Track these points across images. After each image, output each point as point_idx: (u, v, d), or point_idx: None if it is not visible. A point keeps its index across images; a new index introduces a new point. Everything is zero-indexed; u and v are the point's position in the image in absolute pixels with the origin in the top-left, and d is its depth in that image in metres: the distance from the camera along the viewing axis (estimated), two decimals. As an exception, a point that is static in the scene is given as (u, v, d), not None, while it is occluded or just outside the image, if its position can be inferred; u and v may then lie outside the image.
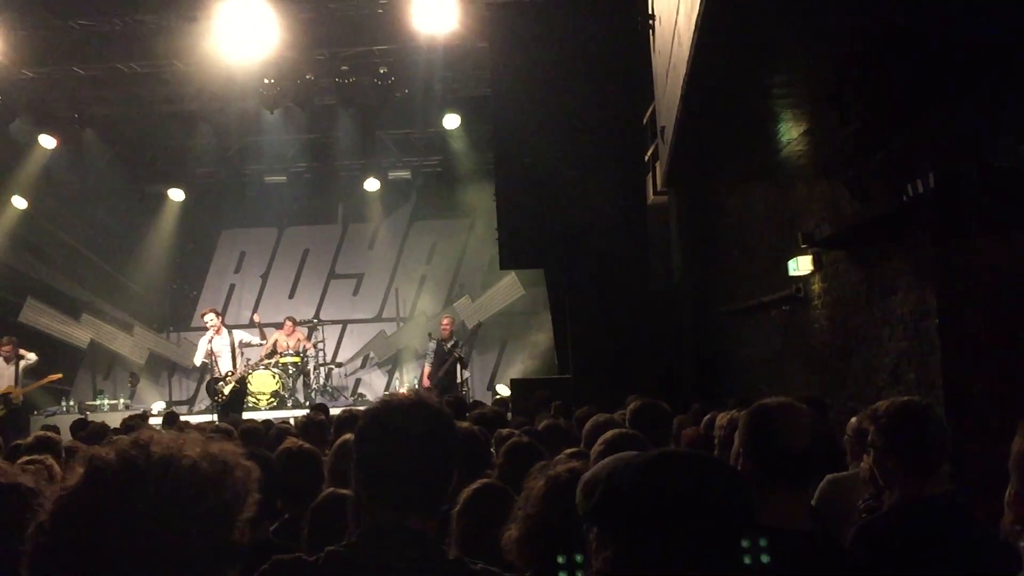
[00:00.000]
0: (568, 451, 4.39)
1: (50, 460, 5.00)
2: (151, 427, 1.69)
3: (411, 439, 2.52)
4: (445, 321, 17.24)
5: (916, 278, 7.21)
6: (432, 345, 16.92)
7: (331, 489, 4.20)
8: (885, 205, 7.26)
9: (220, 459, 1.63)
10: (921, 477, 3.40)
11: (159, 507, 1.52)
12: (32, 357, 15.47)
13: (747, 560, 1.72)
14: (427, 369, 16.91)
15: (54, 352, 19.24)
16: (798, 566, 2.66)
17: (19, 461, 4.97)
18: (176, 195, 19.72)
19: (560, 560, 1.95)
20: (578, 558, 1.91)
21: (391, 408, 2.65)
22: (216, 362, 15.49)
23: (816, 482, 4.79)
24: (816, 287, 9.67)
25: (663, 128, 8.78)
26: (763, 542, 1.73)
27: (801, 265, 9.62)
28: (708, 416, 6.39)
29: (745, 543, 1.72)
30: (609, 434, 4.19)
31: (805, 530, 3.00)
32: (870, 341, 8.24)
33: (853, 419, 5.33)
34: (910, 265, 7.37)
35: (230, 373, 15.27)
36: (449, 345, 16.79)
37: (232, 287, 21.23)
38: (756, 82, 5.69)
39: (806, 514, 3.20)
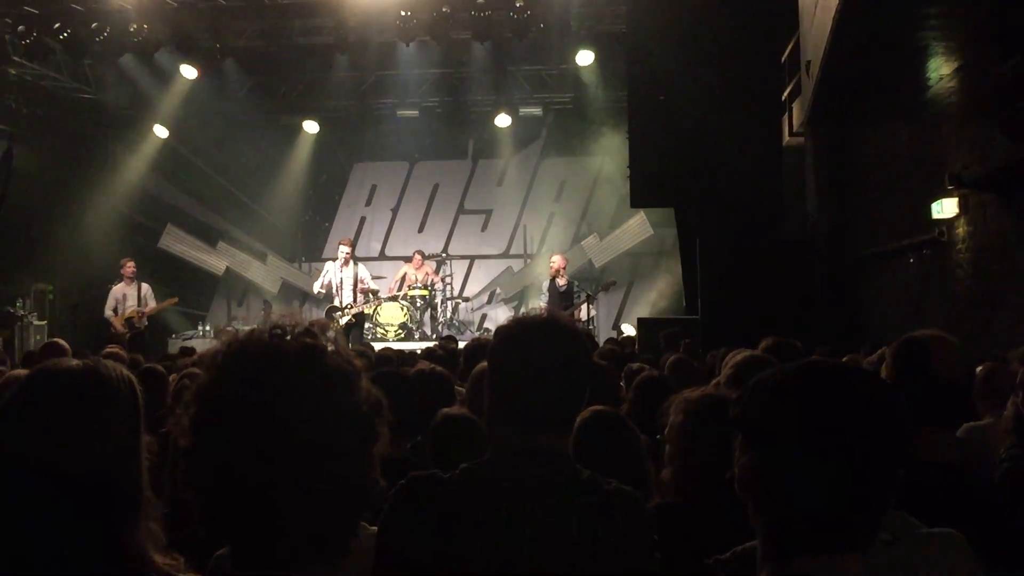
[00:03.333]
0: (711, 383, 4.33)
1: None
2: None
3: (543, 355, 2.49)
4: (554, 259, 16.95)
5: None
6: (546, 284, 16.81)
7: (444, 410, 4.20)
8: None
9: (349, 361, 1.61)
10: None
11: (297, 391, 1.52)
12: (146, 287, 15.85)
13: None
14: (541, 307, 16.79)
15: (191, 278, 19.89)
16: (947, 498, 2.57)
17: (184, 371, 5.12)
18: (311, 127, 19.99)
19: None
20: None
21: (524, 325, 2.62)
22: (339, 292, 15.71)
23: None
24: (960, 231, 9.34)
25: (808, 63, 8.54)
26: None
27: (946, 208, 9.30)
28: (846, 359, 6.24)
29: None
30: (739, 357, 4.12)
31: (956, 465, 2.90)
32: (1016, 288, 7.94)
33: (981, 367, 5.15)
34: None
35: (350, 306, 15.49)
36: (563, 284, 16.59)
37: (363, 220, 21.51)
38: (911, 11, 5.47)
39: (955, 449, 3.09)
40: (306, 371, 1.55)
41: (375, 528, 2.39)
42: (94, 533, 1.91)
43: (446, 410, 4.21)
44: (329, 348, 1.62)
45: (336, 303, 15.73)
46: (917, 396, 2.86)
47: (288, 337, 1.61)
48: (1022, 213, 7.88)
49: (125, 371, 2.11)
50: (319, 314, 17.23)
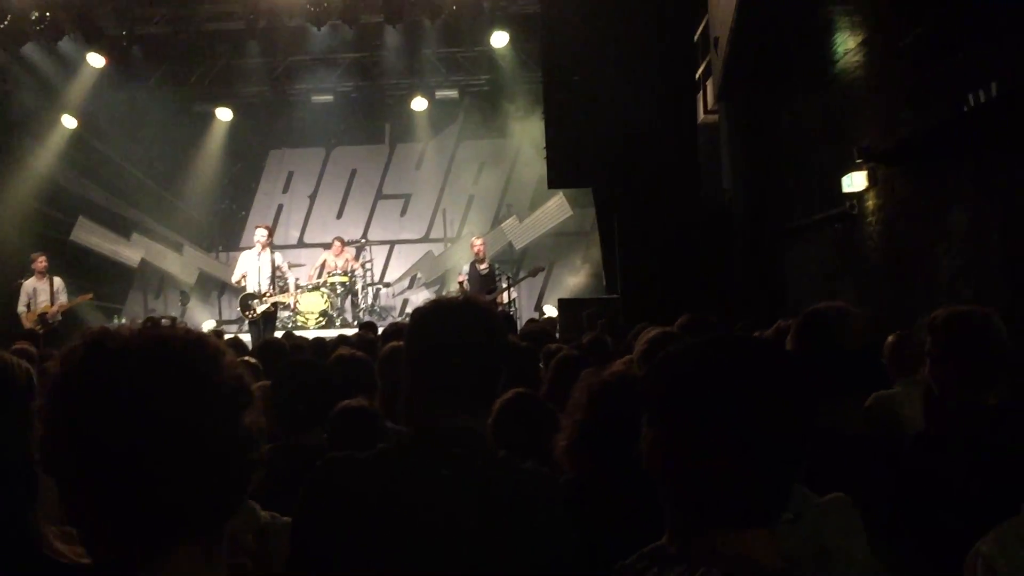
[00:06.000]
0: (621, 360, 4.37)
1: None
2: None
3: (458, 336, 2.51)
4: (475, 242, 17.02)
5: (976, 192, 7.05)
6: (466, 268, 16.81)
7: (344, 401, 4.19)
8: (944, 117, 7.08)
9: (198, 341, 1.59)
10: (980, 387, 3.32)
11: (133, 379, 1.49)
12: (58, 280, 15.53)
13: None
14: (460, 276, 16.82)
15: (105, 271, 19.51)
16: (853, 468, 2.62)
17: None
18: (224, 114, 19.72)
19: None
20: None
21: (441, 306, 2.66)
22: (259, 279, 15.38)
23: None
24: (871, 204, 9.51)
25: (716, 39, 8.62)
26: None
27: (855, 181, 9.46)
28: (755, 334, 6.33)
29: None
30: (652, 333, 4.16)
31: (860, 434, 2.96)
32: (926, 258, 8.11)
33: (891, 336, 5.26)
34: (969, 179, 7.21)
35: (267, 293, 15.22)
36: (484, 268, 16.64)
37: (280, 207, 21.30)
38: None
39: (859, 419, 3.15)
40: (155, 352, 1.52)
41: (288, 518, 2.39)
42: None
43: (345, 402, 4.19)
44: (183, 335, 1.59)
45: (253, 291, 15.47)
46: (820, 367, 2.92)
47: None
48: (929, 184, 8.04)
49: (23, 362, 2.15)
50: (236, 303, 17.05)
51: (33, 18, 15.00)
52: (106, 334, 1.52)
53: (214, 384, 1.51)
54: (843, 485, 2.32)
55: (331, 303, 16.99)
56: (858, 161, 9.17)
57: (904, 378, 4.99)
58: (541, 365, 6.06)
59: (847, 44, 6.81)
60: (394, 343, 5.35)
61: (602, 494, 2.82)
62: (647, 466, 1.73)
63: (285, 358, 6.42)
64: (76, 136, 18.80)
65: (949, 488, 2.98)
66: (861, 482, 2.45)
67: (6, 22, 15.02)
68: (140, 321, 1.63)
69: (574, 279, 19.61)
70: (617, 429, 2.70)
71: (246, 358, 6.08)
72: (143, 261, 20.44)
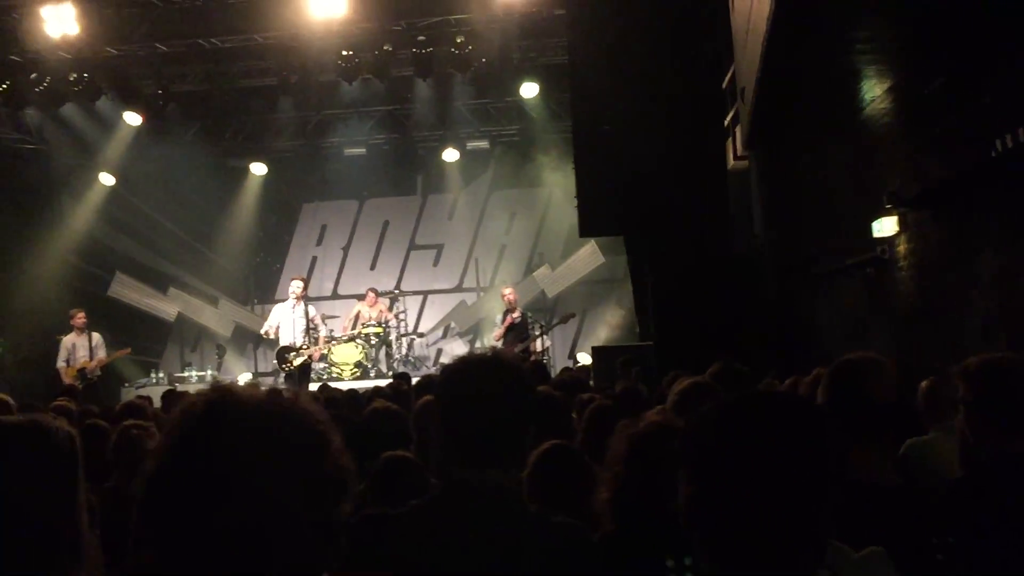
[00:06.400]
0: (654, 410, 4.38)
1: (151, 424, 5.16)
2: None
3: (486, 392, 2.58)
4: (504, 291, 17.19)
5: (1007, 236, 7.03)
6: (499, 318, 16.97)
7: (388, 453, 4.23)
8: (972, 162, 7.09)
9: (312, 417, 1.65)
10: (1015, 434, 3.32)
11: (243, 448, 1.55)
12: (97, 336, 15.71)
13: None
14: (496, 333, 16.93)
15: (143, 325, 19.72)
16: (885, 520, 2.62)
17: (123, 424, 5.15)
18: (258, 169, 19.97)
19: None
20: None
21: (468, 364, 2.73)
22: (293, 332, 15.49)
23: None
24: (901, 248, 9.49)
25: (743, 89, 8.67)
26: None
27: (885, 226, 9.44)
28: (789, 380, 6.32)
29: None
30: (684, 384, 4.17)
31: (892, 485, 2.96)
32: (958, 302, 8.07)
33: (924, 382, 5.23)
34: (999, 223, 7.20)
35: (303, 346, 15.34)
36: (517, 317, 16.78)
37: (314, 259, 21.47)
38: (839, 36, 5.58)
39: (892, 469, 3.15)
40: (277, 431, 1.59)
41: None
42: None
43: (388, 453, 4.23)
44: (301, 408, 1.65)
45: (288, 344, 15.58)
46: (851, 418, 2.94)
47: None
48: (959, 229, 8.02)
49: (65, 426, 2.15)
50: (272, 356, 17.18)
51: (71, 79, 15.31)
52: (227, 396, 1.59)
53: (322, 473, 1.58)
54: (878, 538, 2.33)
55: (366, 354, 17.07)
56: (888, 207, 9.17)
57: (938, 424, 4.96)
58: (574, 415, 6.07)
59: (873, 91, 6.85)
60: (428, 396, 5.39)
61: (643, 548, 2.84)
62: (685, 521, 1.77)
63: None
64: (114, 193, 19.15)
65: (987, 537, 2.97)
66: (897, 534, 2.46)
67: (45, 84, 15.34)
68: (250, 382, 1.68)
69: (607, 326, 19.60)
70: (657, 481, 2.72)
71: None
72: (180, 315, 20.67)
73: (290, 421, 1.60)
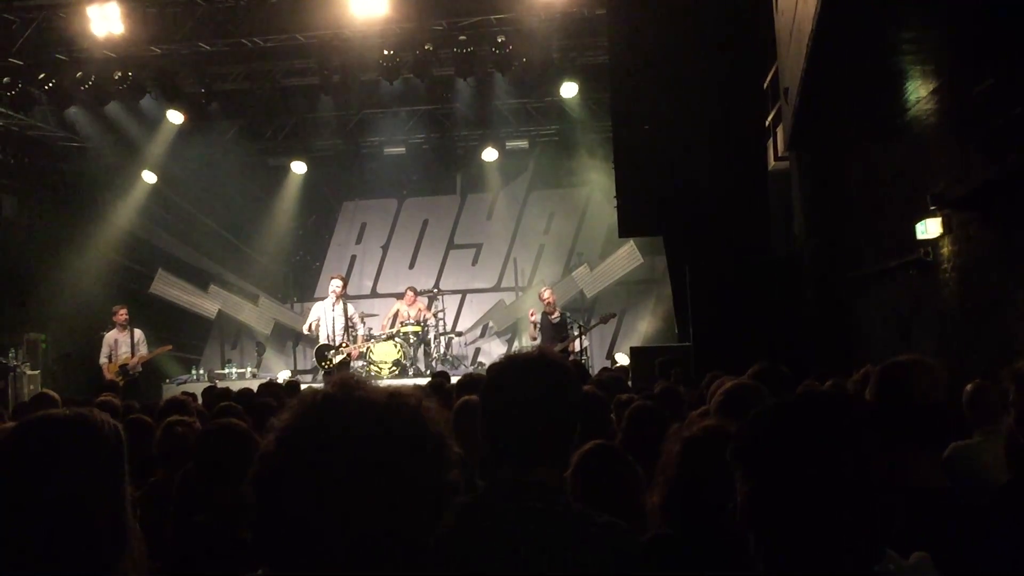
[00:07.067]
0: (699, 411, 4.37)
1: (194, 420, 5.21)
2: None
3: (533, 391, 2.59)
4: (543, 293, 17.22)
5: (1054, 239, 6.95)
6: (536, 318, 16.98)
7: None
8: (1019, 164, 7.00)
9: (411, 396, 1.67)
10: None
11: (360, 437, 1.57)
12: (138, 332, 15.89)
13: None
14: (534, 341, 16.97)
15: (184, 322, 19.91)
16: (935, 524, 2.60)
17: (168, 420, 5.20)
18: (298, 167, 20.08)
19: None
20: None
21: (515, 363, 2.74)
22: (332, 329, 15.69)
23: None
24: (945, 251, 9.39)
25: (787, 89, 8.62)
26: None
27: (930, 228, 9.35)
28: (829, 383, 6.29)
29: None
30: (729, 384, 4.16)
31: (941, 488, 2.93)
32: (1003, 306, 7.98)
33: (969, 385, 5.19)
34: (1047, 226, 7.12)
35: (343, 344, 15.50)
36: (555, 317, 16.83)
37: (353, 258, 21.57)
38: (885, 37, 5.54)
39: (941, 473, 3.12)
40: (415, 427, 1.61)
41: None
42: (82, 572, 2.01)
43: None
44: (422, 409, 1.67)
45: (327, 341, 15.72)
46: (900, 420, 2.91)
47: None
48: (1004, 231, 7.93)
49: (111, 420, 2.20)
50: (310, 354, 17.30)
51: (116, 78, 15.48)
52: (346, 386, 1.61)
53: (436, 482, 1.63)
54: (925, 543, 2.31)
55: (404, 352, 17.11)
56: (932, 208, 9.07)
57: (984, 428, 4.92)
58: (612, 415, 6.07)
59: (919, 92, 6.79)
60: (468, 396, 5.40)
61: (697, 550, 2.83)
62: (740, 520, 1.77)
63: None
64: (156, 191, 19.37)
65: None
66: (944, 539, 2.43)
67: (90, 82, 15.51)
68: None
69: (645, 327, 19.58)
70: (711, 485, 2.72)
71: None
72: (220, 312, 20.84)
73: (408, 427, 1.62)
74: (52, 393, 7.78)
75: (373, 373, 16.84)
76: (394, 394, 1.65)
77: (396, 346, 17.04)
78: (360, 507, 1.52)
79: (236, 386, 12.36)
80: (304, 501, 1.54)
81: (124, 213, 19.35)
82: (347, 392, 1.62)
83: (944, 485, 3.02)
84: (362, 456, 1.54)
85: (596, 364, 17.97)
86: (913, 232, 9.63)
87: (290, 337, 20.95)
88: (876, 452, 1.73)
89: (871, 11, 5.16)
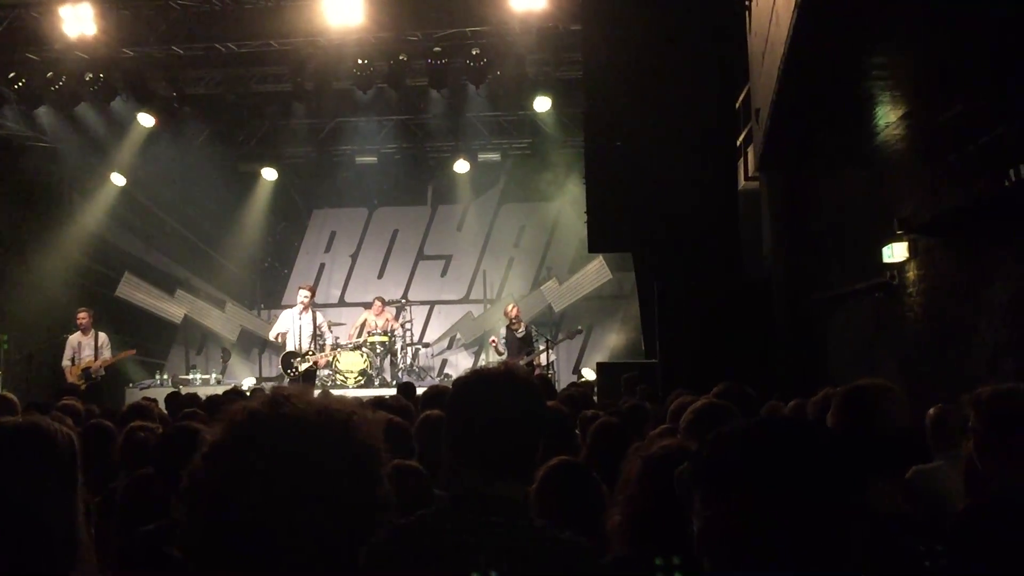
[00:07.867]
0: (658, 429, 4.37)
1: (157, 426, 5.17)
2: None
3: (499, 405, 2.60)
4: (508, 308, 17.29)
5: (1019, 266, 7.02)
6: (502, 331, 17.03)
7: (397, 461, 4.22)
8: (987, 191, 7.07)
9: (340, 411, 1.65)
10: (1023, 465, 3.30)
11: (285, 454, 1.55)
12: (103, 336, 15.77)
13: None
14: (499, 355, 17.02)
15: (149, 326, 19.75)
16: (896, 549, 2.61)
17: (130, 425, 5.16)
18: (269, 174, 19.97)
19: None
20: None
21: (481, 377, 2.75)
22: (299, 338, 15.68)
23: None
24: (911, 275, 9.46)
25: (758, 110, 8.67)
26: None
27: (896, 252, 9.42)
28: (793, 403, 6.33)
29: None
30: (698, 404, 4.17)
31: (901, 513, 2.95)
32: (966, 331, 8.05)
33: (932, 409, 5.22)
34: (1011, 253, 7.19)
35: (308, 352, 15.47)
36: (521, 331, 16.89)
37: (322, 266, 21.48)
38: (856, 62, 5.59)
39: (901, 498, 3.14)
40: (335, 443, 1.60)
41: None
42: None
43: (396, 461, 4.22)
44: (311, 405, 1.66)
45: (294, 349, 15.68)
46: (862, 445, 2.92)
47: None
48: (970, 257, 8.01)
49: (64, 429, 2.20)
50: (276, 361, 17.22)
51: (87, 79, 15.38)
52: (274, 403, 1.60)
53: (367, 498, 1.63)
54: (887, 567, 2.32)
55: (370, 362, 17.08)
56: (899, 232, 9.15)
57: (945, 452, 4.94)
58: (577, 431, 6.07)
59: (888, 117, 6.85)
60: (432, 411, 5.40)
61: (657, 572, 2.82)
62: (699, 546, 1.75)
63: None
64: (125, 193, 19.23)
65: (998, 567, 2.96)
66: (905, 563, 2.45)
67: (61, 83, 15.41)
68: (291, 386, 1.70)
69: (612, 342, 19.61)
70: (671, 505, 2.71)
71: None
72: (186, 317, 20.68)
73: (338, 443, 1.61)
74: (11, 396, 7.67)
75: (339, 382, 16.79)
76: (322, 410, 1.64)
77: (363, 356, 17.00)
78: (285, 524, 1.51)
79: (201, 392, 12.22)
80: (229, 517, 1.53)
81: (92, 215, 19.18)
82: (273, 408, 1.61)
83: (902, 508, 3.03)
84: (286, 473, 1.54)
85: (563, 378, 17.96)
86: (880, 255, 9.70)
87: (256, 344, 20.82)
88: (848, 479, 1.71)
89: (842, 36, 5.21)
